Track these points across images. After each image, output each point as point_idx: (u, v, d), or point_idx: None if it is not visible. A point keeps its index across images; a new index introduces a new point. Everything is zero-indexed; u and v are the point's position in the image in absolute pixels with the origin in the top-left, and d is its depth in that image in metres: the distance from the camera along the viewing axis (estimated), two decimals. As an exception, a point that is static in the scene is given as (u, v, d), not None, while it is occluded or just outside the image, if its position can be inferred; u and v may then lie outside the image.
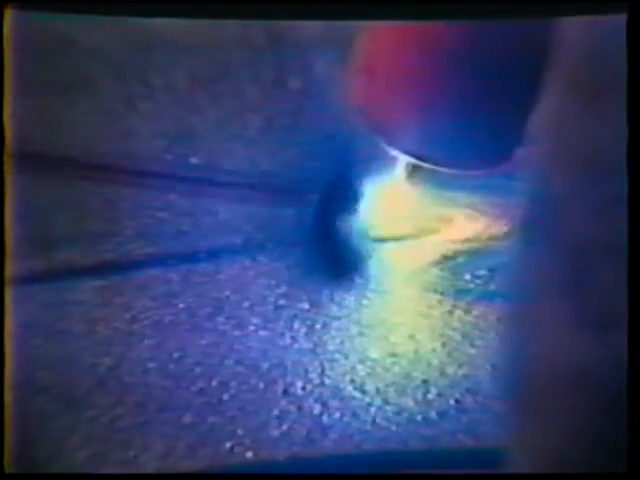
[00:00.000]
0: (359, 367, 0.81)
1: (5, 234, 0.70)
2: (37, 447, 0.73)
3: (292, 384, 0.80)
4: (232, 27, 0.86)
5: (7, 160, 0.59)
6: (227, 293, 0.84)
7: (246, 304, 0.83)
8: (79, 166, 0.87)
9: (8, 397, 0.59)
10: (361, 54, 0.67)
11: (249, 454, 0.76)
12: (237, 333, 0.82)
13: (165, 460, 0.74)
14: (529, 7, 0.49)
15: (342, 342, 0.83)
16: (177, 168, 0.88)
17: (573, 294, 0.42)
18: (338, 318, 0.84)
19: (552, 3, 0.48)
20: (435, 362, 0.82)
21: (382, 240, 0.88)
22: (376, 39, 0.65)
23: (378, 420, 0.79)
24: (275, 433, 0.77)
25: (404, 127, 0.67)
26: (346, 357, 0.82)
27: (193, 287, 0.83)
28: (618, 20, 0.45)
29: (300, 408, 0.79)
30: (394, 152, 0.69)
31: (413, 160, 0.70)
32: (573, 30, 0.44)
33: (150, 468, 0.74)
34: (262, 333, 0.82)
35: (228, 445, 0.76)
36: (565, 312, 0.43)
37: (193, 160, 0.88)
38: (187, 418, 0.76)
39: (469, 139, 0.65)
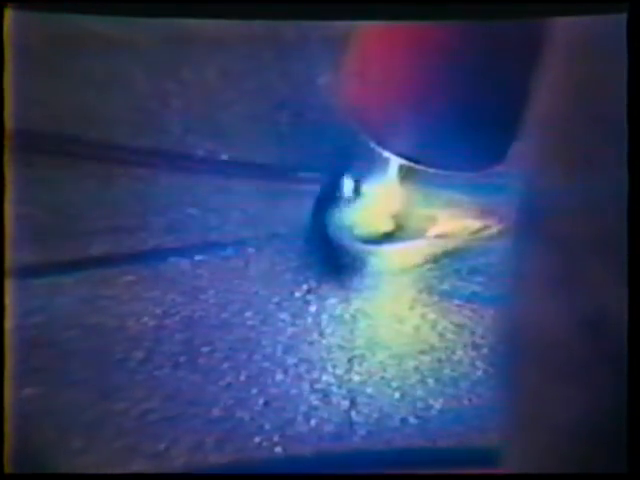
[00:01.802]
0: (388, 363, 0.83)
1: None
2: (69, 438, 0.75)
3: (320, 380, 0.81)
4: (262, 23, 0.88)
5: (7, 158, 0.61)
6: (256, 288, 0.85)
7: (275, 299, 0.85)
8: (110, 162, 0.89)
9: (8, 397, 0.61)
10: (353, 55, 0.68)
11: (277, 449, 0.77)
12: (265, 329, 0.83)
13: (194, 454, 0.76)
14: (529, 7, 0.49)
15: (370, 338, 0.84)
16: (208, 164, 0.90)
17: (566, 292, 0.43)
18: (366, 313, 0.86)
19: (552, 3, 0.48)
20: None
21: (376, 240, 0.88)
22: (367, 40, 0.66)
23: (407, 417, 0.80)
24: (303, 429, 0.79)
25: (396, 128, 0.68)
26: (374, 353, 0.83)
27: (222, 282, 0.85)
28: (618, 20, 0.45)
29: (328, 404, 0.80)
30: (386, 154, 0.70)
31: (406, 162, 0.71)
32: (570, 29, 0.44)
33: (179, 462, 0.76)
34: (290, 329, 0.84)
35: (256, 440, 0.77)
36: (558, 310, 0.43)
37: (224, 156, 0.90)
38: (216, 412, 0.78)
39: (462, 141, 0.66)
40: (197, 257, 0.86)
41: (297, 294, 0.86)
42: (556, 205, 0.42)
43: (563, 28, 0.43)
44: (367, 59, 0.67)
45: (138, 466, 0.75)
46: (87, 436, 0.75)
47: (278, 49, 0.90)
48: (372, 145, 0.70)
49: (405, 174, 0.78)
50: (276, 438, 0.78)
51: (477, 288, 0.87)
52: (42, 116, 0.88)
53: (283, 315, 0.84)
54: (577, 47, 0.42)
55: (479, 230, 0.88)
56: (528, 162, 0.45)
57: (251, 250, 0.87)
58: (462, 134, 0.65)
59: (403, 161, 0.71)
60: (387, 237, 0.88)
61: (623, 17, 0.45)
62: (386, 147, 0.70)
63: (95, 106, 0.90)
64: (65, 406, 0.77)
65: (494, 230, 0.86)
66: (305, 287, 0.86)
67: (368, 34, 0.65)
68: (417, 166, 0.70)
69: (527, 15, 0.48)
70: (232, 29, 0.88)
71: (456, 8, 0.49)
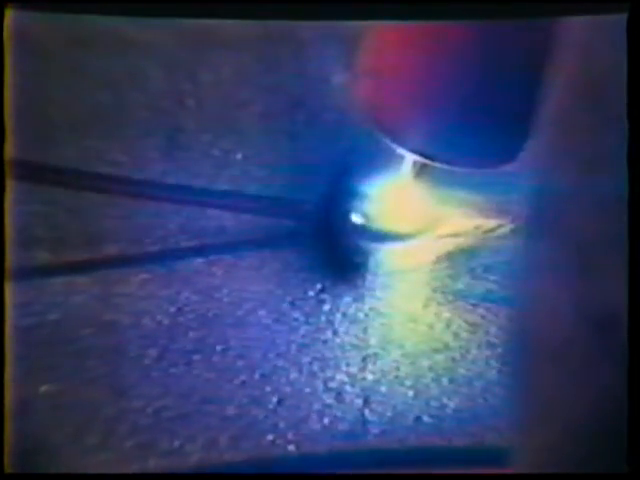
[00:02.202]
0: (402, 361, 0.83)
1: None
2: (85, 435, 0.76)
3: (333, 378, 0.82)
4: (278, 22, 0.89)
5: (8, 155, 0.61)
6: (270, 287, 0.86)
7: (289, 298, 0.86)
8: (126, 160, 0.90)
9: (9, 396, 0.61)
10: (367, 53, 0.68)
11: (291, 447, 0.78)
12: (279, 327, 0.84)
13: (208, 451, 0.77)
14: (529, 7, 0.50)
15: (384, 336, 0.85)
16: (222, 163, 0.91)
17: (576, 290, 0.43)
18: (380, 312, 0.86)
19: (552, 3, 0.48)
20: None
21: (390, 239, 0.88)
22: (381, 38, 0.66)
23: (421, 415, 0.81)
24: (317, 427, 0.79)
25: (411, 125, 0.68)
26: (388, 352, 0.84)
27: (236, 281, 0.86)
28: (618, 20, 0.45)
29: (341, 402, 0.81)
30: (401, 151, 0.71)
31: (421, 159, 0.71)
32: (573, 29, 0.44)
33: (194, 459, 0.77)
34: (304, 327, 0.85)
35: (270, 438, 0.78)
36: (568, 308, 0.43)
37: (238, 155, 0.91)
38: (230, 410, 0.79)
39: (477, 137, 0.66)
40: (211, 256, 0.87)
41: (311, 293, 0.86)
42: (568, 203, 0.43)
43: (570, 28, 0.44)
44: (381, 56, 0.67)
45: (153, 463, 0.76)
46: (103, 433, 0.77)
47: (293, 48, 0.91)
48: (386, 142, 0.70)
49: (419, 171, 0.78)
50: (290, 436, 0.78)
51: (491, 287, 0.87)
52: (44, 116, 0.89)
53: (297, 314, 0.85)
54: (580, 47, 0.43)
55: (492, 229, 0.88)
56: (540, 160, 0.45)
57: (265, 249, 0.88)
58: (475, 131, 0.65)
59: (417, 158, 0.71)
60: (400, 236, 0.89)
61: (623, 17, 0.45)
62: (400, 144, 0.70)
63: (110, 105, 0.91)
64: (81, 403, 0.78)
65: (507, 229, 0.86)
66: (319, 286, 0.87)
67: (382, 32, 0.66)
68: (431, 162, 0.71)
69: (528, 15, 0.48)
70: (247, 29, 0.88)
71: (456, 8, 0.50)
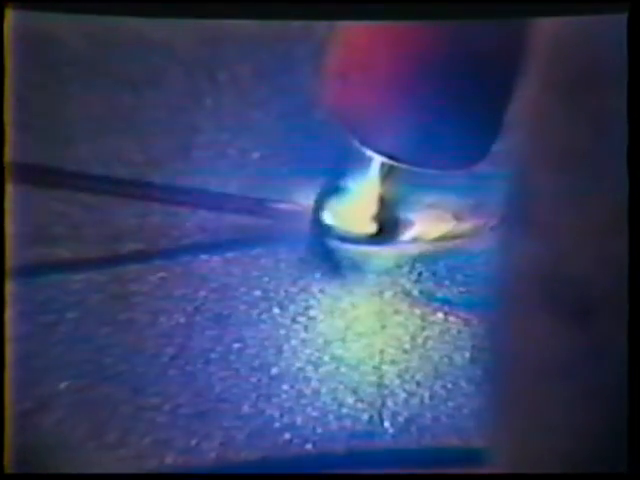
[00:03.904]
0: (417, 364, 0.85)
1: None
2: (104, 432, 0.78)
3: (350, 378, 0.83)
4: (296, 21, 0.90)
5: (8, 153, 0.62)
6: (286, 286, 0.88)
7: (303, 296, 0.88)
8: (143, 159, 0.93)
9: (9, 396, 0.62)
10: (334, 55, 0.69)
11: (308, 446, 0.79)
12: (295, 326, 0.86)
13: (225, 449, 0.78)
14: (530, 7, 0.50)
15: (401, 338, 0.86)
16: (239, 161, 0.93)
17: (554, 285, 0.43)
18: (399, 312, 0.87)
19: (552, 3, 0.48)
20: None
21: (353, 240, 0.89)
22: (349, 40, 0.67)
23: (439, 416, 0.81)
24: (333, 426, 0.80)
25: (378, 127, 0.69)
26: (406, 352, 0.85)
27: (253, 279, 0.88)
28: (618, 20, 0.46)
29: (359, 401, 0.82)
30: (369, 152, 0.72)
31: (388, 160, 0.72)
32: (560, 28, 0.44)
33: (211, 457, 0.78)
34: (320, 326, 0.86)
35: (287, 436, 0.79)
36: (546, 305, 0.44)
37: (255, 154, 0.93)
38: (246, 409, 0.80)
39: (444, 139, 0.67)
40: (228, 254, 0.89)
41: (328, 292, 0.88)
42: (544, 200, 0.44)
43: (554, 28, 0.44)
44: (349, 59, 0.68)
45: (170, 460, 0.77)
46: (121, 430, 0.78)
47: (311, 47, 0.92)
48: (355, 144, 0.71)
49: (387, 173, 0.79)
50: (307, 435, 0.79)
51: (465, 289, 0.88)
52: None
53: (314, 312, 0.87)
54: (575, 46, 0.43)
55: (463, 231, 0.88)
56: (517, 160, 0.46)
57: (282, 248, 0.89)
58: (443, 132, 0.66)
59: (385, 159, 0.72)
60: (369, 238, 0.88)
61: (623, 17, 0.46)
62: (368, 145, 0.71)
63: (130, 106, 0.93)
64: (99, 400, 0.80)
65: (479, 231, 0.87)
66: (336, 285, 0.89)
67: (349, 34, 0.67)
68: (399, 164, 0.72)
69: (527, 14, 0.48)
70: (265, 28, 0.90)
71: (455, 7, 0.50)
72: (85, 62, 0.94)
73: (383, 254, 0.89)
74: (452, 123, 0.66)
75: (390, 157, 0.72)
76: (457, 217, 0.88)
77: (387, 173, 0.78)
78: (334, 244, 0.89)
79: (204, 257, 0.88)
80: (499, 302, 0.48)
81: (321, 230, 0.89)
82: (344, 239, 0.88)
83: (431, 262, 0.89)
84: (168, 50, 0.95)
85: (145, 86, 0.95)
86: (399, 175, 0.79)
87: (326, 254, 0.89)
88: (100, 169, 0.92)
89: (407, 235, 0.89)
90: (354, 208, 0.87)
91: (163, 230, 0.90)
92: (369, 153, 0.73)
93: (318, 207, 0.88)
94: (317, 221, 0.88)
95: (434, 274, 0.88)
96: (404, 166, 0.72)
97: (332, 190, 0.88)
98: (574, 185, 0.42)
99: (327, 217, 0.88)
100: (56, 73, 0.94)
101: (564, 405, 0.44)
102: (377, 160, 0.76)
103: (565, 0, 0.47)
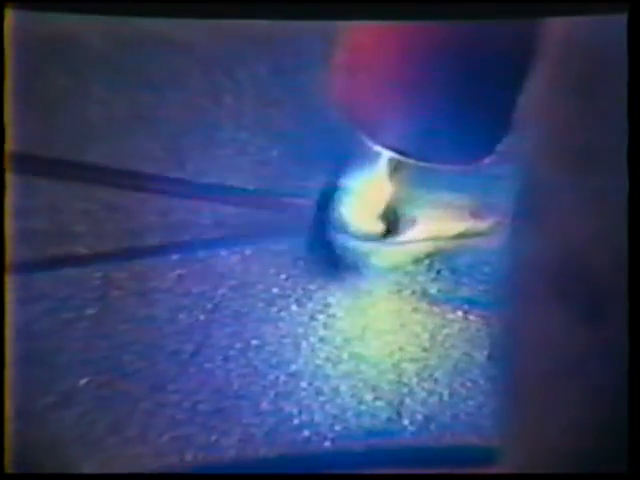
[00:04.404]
0: (436, 362, 0.85)
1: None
2: (125, 427, 0.79)
3: (369, 375, 0.84)
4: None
5: (7, 155, 0.63)
6: (304, 283, 0.88)
7: (321, 294, 0.88)
8: (163, 157, 0.93)
9: (9, 395, 0.63)
10: (342, 49, 0.69)
11: (326, 443, 0.80)
12: (314, 324, 0.86)
13: (244, 446, 0.79)
14: (530, 7, 0.50)
15: (420, 336, 0.86)
16: (259, 158, 0.94)
17: (565, 285, 0.44)
18: (418, 310, 0.88)
19: (552, 3, 0.49)
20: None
21: (361, 237, 0.89)
22: (357, 35, 0.67)
23: (458, 414, 0.82)
24: (352, 423, 0.80)
25: (386, 122, 0.69)
26: (425, 350, 0.85)
27: (271, 277, 0.88)
28: (618, 20, 0.46)
29: (378, 399, 0.82)
30: (377, 147, 0.71)
31: (396, 155, 0.72)
32: (568, 27, 0.45)
33: (230, 454, 0.79)
34: (339, 323, 0.87)
35: (305, 433, 0.80)
36: (557, 304, 0.44)
37: (274, 152, 0.93)
38: (265, 405, 0.81)
39: (452, 133, 0.67)
40: (247, 251, 0.90)
41: (347, 290, 0.88)
42: (552, 199, 0.44)
43: (563, 27, 0.45)
44: (357, 54, 0.68)
45: (190, 457, 0.78)
46: (140, 426, 0.79)
47: (328, 45, 0.93)
48: (362, 139, 0.71)
49: (395, 168, 0.79)
50: (325, 432, 0.80)
51: (475, 288, 0.88)
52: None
53: (333, 310, 0.87)
54: (577, 46, 0.43)
55: (473, 230, 0.88)
56: (526, 157, 0.46)
57: (300, 245, 0.89)
58: (450, 127, 0.66)
59: (393, 154, 0.72)
60: (377, 235, 0.89)
61: (623, 17, 0.46)
62: (376, 140, 0.71)
63: (151, 105, 0.94)
64: (119, 397, 0.81)
65: (489, 229, 0.87)
66: (354, 283, 0.89)
67: (358, 30, 0.67)
68: (406, 159, 0.72)
69: (527, 14, 0.49)
70: (282, 27, 0.91)
71: (458, 7, 0.50)
72: (107, 62, 0.95)
73: (400, 252, 0.90)
74: (460, 118, 0.66)
75: (398, 152, 0.72)
76: (475, 215, 0.88)
77: (394, 168, 0.78)
78: (344, 241, 0.89)
79: (223, 254, 0.89)
80: (512, 300, 0.48)
81: (331, 227, 0.89)
82: (355, 236, 0.88)
83: (450, 260, 0.89)
84: (187, 49, 0.96)
85: (165, 85, 0.96)
86: (410, 172, 0.79)
87: (334, 251, 0.89)
88: (120, 166, 0.93)
89: (421, 233, 0.89)
90: (363, 205, 0.88)
91: (182, 227, 0.90)
92: (376, 148, 0.73)
93: (326, 204, 0.88)
94: (326, 218, 0.88)
95: (453, 272, 0.89)
96: (411, 161, 0.72)
97: (340, 187, 0.88)
98: (585, 182, 0.42)
99: (337, 214, 0.89)
100: (78, 73, 0.96)
101: (576, 403, 0.44)
102: (385, 155, 0.76)
103: (565, 0, 0.47)
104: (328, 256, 0.89)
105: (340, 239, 0.89)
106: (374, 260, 0.90)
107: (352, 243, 0.89)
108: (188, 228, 0.90)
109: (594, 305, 0.43)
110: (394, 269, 0.89)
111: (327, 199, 0.89)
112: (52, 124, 0.92)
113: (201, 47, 0.96)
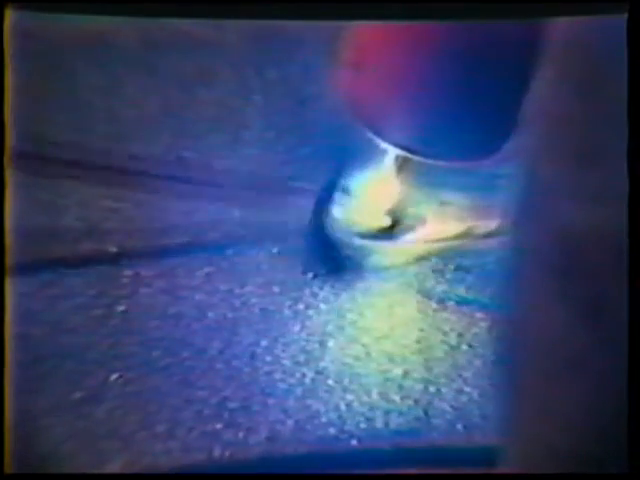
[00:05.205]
0: (464, 361, 0.85)
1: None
2: (154, 422, 0.80)
3: (397, 374, 0.84)
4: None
5: (7, 155, 0.64)
6: (332, 282, 0.89)
7: (350, 293, 0.88)
8: (192, 156, 0.95)
9: (9, 395, 0.63)
10: (349, 47, 0.70)
11: (353, 442, 0.80)
12: (341, 322, 0.87)
13: (271, 443, 0.79)
14: (530, 7, 0.50)
15: (449, 335, 0.87)
16: (285, 157, 0.95)
17: (566, 282, 0.44)
18: (446, 310, 0.88)
19: (552, 3, 0.49)
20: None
21: (368, 236, 0.89)
22: (364, 32, 0.68)
23: (487, 414, 0.82)
24: (379, 423, 0.81)
25: (393, 119, 0.69)
26: (453, 349, 0.86)
27: (299, 275, 0.89)
28: (618, 20, 0.46)
29: (404, 398, 0.82)
30: (383, 144, 0.72)
31: (402, 152, 0.72)
32: (571, 28, 0.45)
33: (257, 451, 0.80)
34: (366, 322, 0.87)
35: (332, 432, 0.80)
36: (558, 302, 0.44)
37: (304, 150, 0.94)
38: (291, 403, 0.81)
39: (458, 131, 0.68)
40: (274, 250, 0.91)
41: (374, 289, 0.89)
42: (554, 198, 0.44)
43: (565, 27, 0.45)
44: (363, 50, 0.69)
45: (217, 453, 0.79)
46: (169, 422, 0.80)
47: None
48: (369, 136, 0.72)
49: (401, 165, 0.79)
50: (352, 431, 0.80)
51: (477, 288, 0.88)
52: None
53: (360, 309, 0.87)
54: (578, 46, 0.44)
55: (478, 229, 0.88)
56: (529, 156, 0.47)
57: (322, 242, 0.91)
58: (456, 125, 0.67)
59: (399, 151, 0.73)
60: (382, 233, 0.89)
61: (623, 17, 0.46)
62: (382, 137, 0.72)
63: (181, 103, 0.95)
64: (148, 392, 0.82)
65: (493, 229, 0.86)
66: (381, 282, 0.90)
67: (365, 28, 0.67)
68: (413, 156, 0.72)
69: (528, 15, 0.49)
70: (312, 27, 0.92)
71: (459, 7, 0.51)
72: (138, 62, 0.97)
73: (419, 249, 0.90)
74: (466, 116, 0.67)
75: (404, 149, 0.72)
76: (483, 216, 0.88)
77: (401, 165, 0.79)
78: (353, 240, 0.90)
79: (251, 252, 0.90)
80: (518, 299, 0.49)
81: (338, 225, 0.89)
82: (363, 235, 0.89)
83: (479, 260, 0.89)
84: (218, 48, 0.97)
85: (196, 84, 0.97)
86: (416, 170, 0.79)
87: (352, 251, 0.89)
88: (149, 166, 0.94)
89: (431, 232, 0.89)
90: (369, 202, 0.88)
91: (210, 225, 0.92)
92: (383, 145, 0.73)
93: (332, 203, 0.89)
94: (332, 216, 0.89)
95: (482, 269, 0.89)
96: (418, 158, 0.73)
97: (346, 184, 0.88)
98: (586, 181, 0.43)
99: (340, 212, 0.89)
100: (110, 72, 0.97)
101: (564, 398, 0.45)
102: (391, 152, 0.76)
103: (565, 0, 0.48)
104: (346, 256, 0.90)
105: (351, 239, 0.90)
106: (394, 259, 0.90)
107: (366, 242, 0.90)
108: (216, 226, 0.92)
109: (595, 303, 0.43)
110: (416, 265, 0.89)
111: (335, 197, 0.89)
112: (82, 125, 0.94)
113: (230, 46, 0.97)
